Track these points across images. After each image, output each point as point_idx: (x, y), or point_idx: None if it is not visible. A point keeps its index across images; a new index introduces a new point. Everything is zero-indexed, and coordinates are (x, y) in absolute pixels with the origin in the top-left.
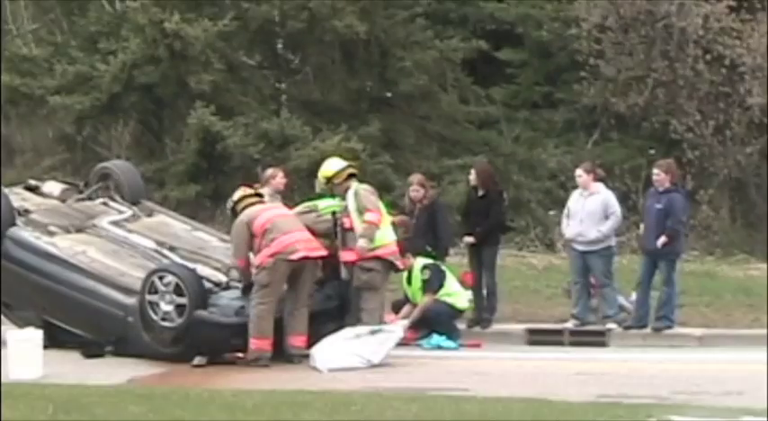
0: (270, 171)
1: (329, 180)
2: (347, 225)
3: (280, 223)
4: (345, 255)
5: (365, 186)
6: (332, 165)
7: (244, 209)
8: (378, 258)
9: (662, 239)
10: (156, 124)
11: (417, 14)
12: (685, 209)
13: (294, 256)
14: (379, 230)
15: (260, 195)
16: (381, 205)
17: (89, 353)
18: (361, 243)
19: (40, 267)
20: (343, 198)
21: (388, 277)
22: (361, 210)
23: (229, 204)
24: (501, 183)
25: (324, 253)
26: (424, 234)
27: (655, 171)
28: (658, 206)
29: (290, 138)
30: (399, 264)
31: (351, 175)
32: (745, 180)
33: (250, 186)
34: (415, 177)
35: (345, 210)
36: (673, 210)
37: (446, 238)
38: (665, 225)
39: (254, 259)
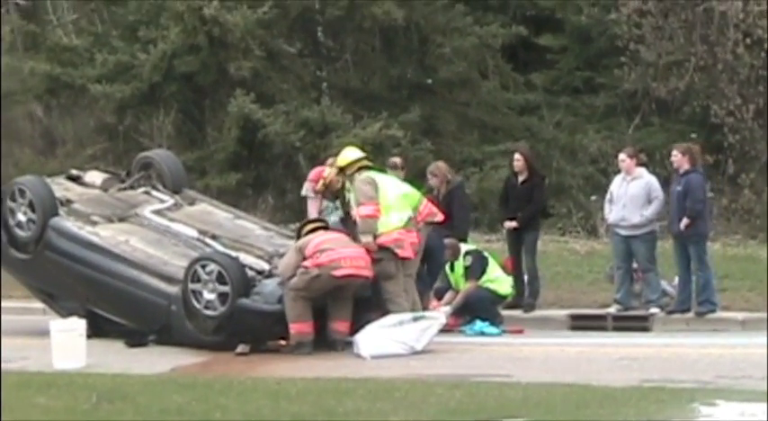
0: (331, 160)
1: (342, 169)
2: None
3: (331, 242)
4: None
5: (364, 176)
6: (347, 155)
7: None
8: (383, 246)
9: (684, 221)
10: (196, 113)
11: (456, 0)
12: (704, 189)
13: (338, 272)
14: (379, 219)
15: (324, 222)
16: (388, 192)
17: (132, 342)
18: (363, 239)
19: (83, 257)
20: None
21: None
22: (358, 203)
23: (296, 233)
24: (542, 168)
25: (370, 274)
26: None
27: (673, 153)
28: (678, 188)
29: (331, 125)
30: (399, 252)
31: (362, 168)
32: None
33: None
34: (431, 166)
35: (350, 202)
36: (691, 191)
37: (461, 226)
38: (685, 207)
39: (302, 263)
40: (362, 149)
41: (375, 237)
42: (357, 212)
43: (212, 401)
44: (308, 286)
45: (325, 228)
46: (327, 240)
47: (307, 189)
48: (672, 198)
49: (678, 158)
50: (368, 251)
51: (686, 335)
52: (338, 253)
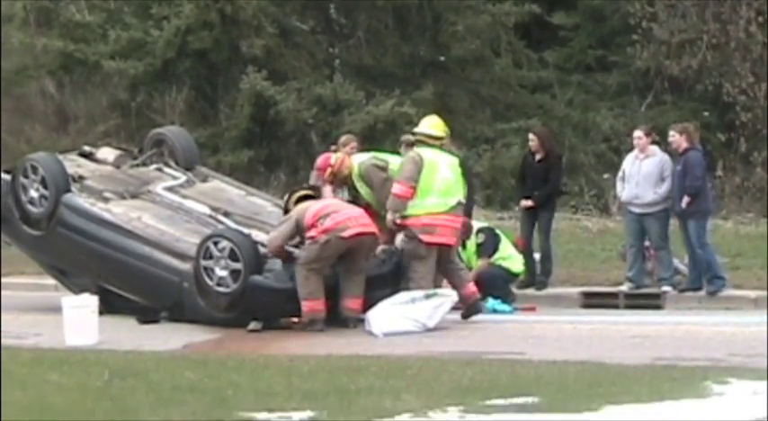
0: (343, 138)
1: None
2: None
3: (330, 206)
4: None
5: (413, 153)
6: (421, 123)
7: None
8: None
9: (685, 199)
10: (209, 90)
11: None
12: (703, 166)
13: (346, 233)
14: (413, 201)
15: (312, 189)
16: (435, 175)
17: (144, 319)
18: (387, 215)
19: (96, 234)
20: None
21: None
22: (395, 179)
23: (283, 204)
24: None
25: (376, 230)
26: None
27: (670, 134)
28: (678, 168)
29: (344, 102)
30: (424, 237)
31: (420, 142)
32: None
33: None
34: None
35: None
36: (689, 169)
37: (466, 202)
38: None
39: (308, 235)
40: (374, 127)
41: (403, 217)
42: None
43: (225, 378)
44: (320, 255)
45: (314, 196)
46: (326, 206)
47: (315, 178)
48: (673, 178)
49: (676, 138)
50: (396, 227)
51: (698, 314)
52: (342, 215)
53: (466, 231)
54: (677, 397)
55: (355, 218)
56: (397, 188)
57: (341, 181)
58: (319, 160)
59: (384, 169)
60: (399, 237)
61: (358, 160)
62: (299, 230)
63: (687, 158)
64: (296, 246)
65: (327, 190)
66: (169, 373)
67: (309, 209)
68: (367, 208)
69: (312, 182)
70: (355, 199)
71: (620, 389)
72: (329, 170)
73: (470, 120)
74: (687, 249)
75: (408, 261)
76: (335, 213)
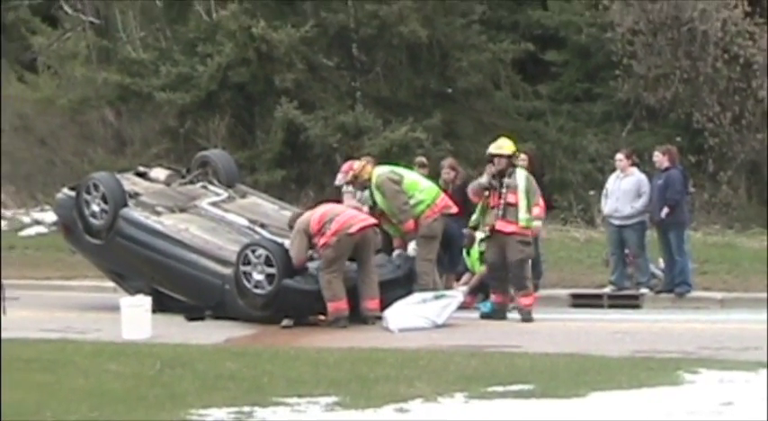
0: (363, 159)
1: (509, 157)
2: (512, 200)
3: (330, 212)
4: (503, 226)
5: (530, 176)
6: (508, 148)
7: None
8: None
9: (665, 210)
10: (247, 118)
11: (473, 21)
12: (682, 183)
13: (353, 229)
14: (528, 215)
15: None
16: None
17: (191, 316)
18: (536, 224)
19: (149, 242)
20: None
21: None
22: (530, 193)
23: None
24: (547, 166)
25: (375, 221)
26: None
27: (655, 153)
28: (660, 182)
29: (364, 129)
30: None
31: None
32: (759, 162)
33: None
34: (447, 161)
35: (510, 187)
36: (670, 184)
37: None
38: (666, 198)
39: (319, 242)
40: (390, 150)
41: (527, 227)
42: (534, 207)
43: (260, 368)
44: (335, 255)
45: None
46: (326, 212)
47: (339, 179)
48: (654, 191)
49: (659, 158)
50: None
51: (672, 312)
52: (345, 216)
53: (470, 241)
54: (654, 384)
55: (356, 216)
56: (538, 210)
57: (360, 184)
58: (345, 164)
59: (398, 182)
60: (411, 246)
61: (378, 171)
62: (309, 238)
63: (669, 175)
64: (311, 259)
65: (348, 192)
66: (212, 363)
67: (312, 217)
68: (382, 215)
69: (336, 182)
70: (373, 207)
71: (604, 378)
72: (351, 172)
73: (474, 145)
74: (664, 256)
75: (521, 263)
76: (338, 216)
